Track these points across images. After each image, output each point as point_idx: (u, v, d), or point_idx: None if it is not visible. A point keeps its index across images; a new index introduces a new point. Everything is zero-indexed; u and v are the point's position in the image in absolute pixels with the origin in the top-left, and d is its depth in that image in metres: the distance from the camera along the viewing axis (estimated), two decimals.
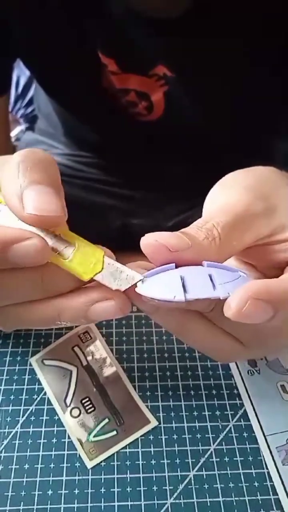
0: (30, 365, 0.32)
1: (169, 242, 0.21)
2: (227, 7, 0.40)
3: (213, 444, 0.29)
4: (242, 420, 0.30)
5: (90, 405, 0.30)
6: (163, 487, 0.27)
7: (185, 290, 0.21)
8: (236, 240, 0.23)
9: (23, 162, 0.22)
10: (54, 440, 0.29)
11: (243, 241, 0.23)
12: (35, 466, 0.28)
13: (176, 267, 0.22)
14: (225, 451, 0.29)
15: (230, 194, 0.25)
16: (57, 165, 0.23)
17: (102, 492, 0.27)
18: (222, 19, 0.41)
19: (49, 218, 0.21)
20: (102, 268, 0.22)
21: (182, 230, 0.22)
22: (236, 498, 0.27)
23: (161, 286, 0.21)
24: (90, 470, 0.28)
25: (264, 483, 0.27)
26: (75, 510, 0.26)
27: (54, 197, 0.21)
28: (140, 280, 0.22)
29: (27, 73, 0.81)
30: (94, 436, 0.29)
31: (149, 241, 0.21)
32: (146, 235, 0.21)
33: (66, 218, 0.22)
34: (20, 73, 0.83)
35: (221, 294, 0.20)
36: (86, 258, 0.22)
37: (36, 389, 0.31)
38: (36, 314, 0.23)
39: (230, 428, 0.30)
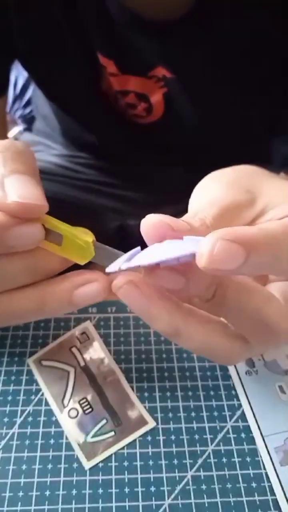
0: (28, 366, 0.32)
1: (172, 222, 0.21)
2: (227, 8, 0.40)
3: (211, 445, 0.29)
4: (240, 421, 0.30)
5: (88, 406, 0.30)
6: (161, 488, 0.27)
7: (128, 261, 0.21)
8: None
9: (3, 152, 0.22)
10: (52, 441, 0.29)
11: None
12: (33, 467, 0.28)
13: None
14: (223, 451, 0.29)
15: (215, 188, 0.26)
16: (35, 157, 0.24)
17: (100, 493, 0.27)
18: (221, 20, 0.41)
19: (32, 206, 0.21)
20: (94, 252, 0.22)
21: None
22: (234, 499, 0.27)
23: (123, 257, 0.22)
24: (88, 471, 0.28)
25: (262, 484, 0.27)
26: (73, 510, 0.26)
27: (36, 186, 0.21)
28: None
29: (25, 73, 0.81)
30: (92, 437, 0.29)
31: (153, 219, 0.21)
32: (148, 216, 0.22)
33: (47, 209, 0.22)
34: (18, 73, 0.83)
35: (145, 262, 0.20)
36: (76, 244, 0.22)
37: (33, 390, 0.31)
38: (20, 303, 0.23)
39: (228, 429, 0.30)
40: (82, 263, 0.22)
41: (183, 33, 0.42)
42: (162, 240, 0.21)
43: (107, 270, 0.22)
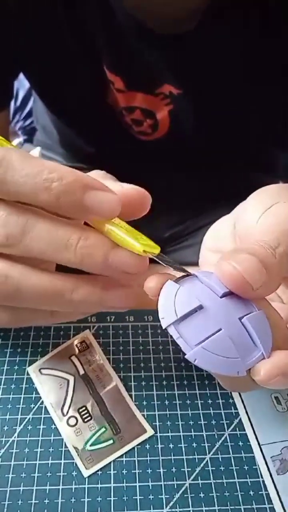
0: (28, 374, 0.32)
1: (253, 277, 0.20)
2: (230, 19, 0.41)
3: (209, 453, 0.29)
4: (237, 429, 0.30)
5: (87, 414, 0.30)
6: (159, 496, 0.27)
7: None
8: None
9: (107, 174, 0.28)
10: (51, 449, 0.29)
11: None
12: (32, 475, 0.28)
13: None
14: (220, 460, 0.29)
15: (275, 214, 0.24)
16: None
17: (99, 501, 0.27)
18: (225, 31, 0.41)
19: (144, 193, 0.26)
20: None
21: (251, 249, 0.21)
22: (231, 507, 0.27)
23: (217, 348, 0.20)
24: (86, 479, 0.28)
25: (260, 492, 0.28)
26: None
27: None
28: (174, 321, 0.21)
29: (26, 85, 0.82)
30: (90, 445, 0.29)
31: (230, 270, 0.20)
32: (222, 260, 0.21)
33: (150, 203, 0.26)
34: (19, 85, 0.84)
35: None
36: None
37: (33, 398, 0.31)
38: (50, 282, 0.23)
39: (226, 437, 0.30)
40: (156, 253, 0.24)
41: (192, 46, 0.42)
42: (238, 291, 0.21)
43: (163, 323, 0.21)
